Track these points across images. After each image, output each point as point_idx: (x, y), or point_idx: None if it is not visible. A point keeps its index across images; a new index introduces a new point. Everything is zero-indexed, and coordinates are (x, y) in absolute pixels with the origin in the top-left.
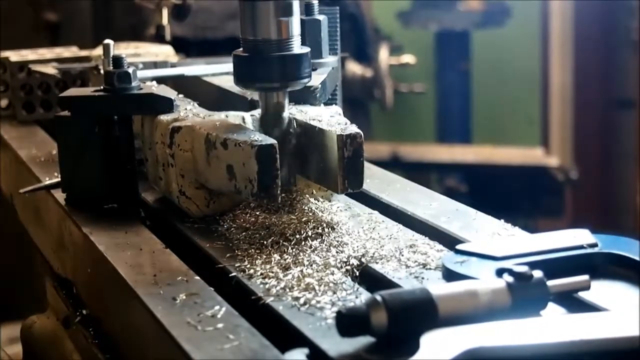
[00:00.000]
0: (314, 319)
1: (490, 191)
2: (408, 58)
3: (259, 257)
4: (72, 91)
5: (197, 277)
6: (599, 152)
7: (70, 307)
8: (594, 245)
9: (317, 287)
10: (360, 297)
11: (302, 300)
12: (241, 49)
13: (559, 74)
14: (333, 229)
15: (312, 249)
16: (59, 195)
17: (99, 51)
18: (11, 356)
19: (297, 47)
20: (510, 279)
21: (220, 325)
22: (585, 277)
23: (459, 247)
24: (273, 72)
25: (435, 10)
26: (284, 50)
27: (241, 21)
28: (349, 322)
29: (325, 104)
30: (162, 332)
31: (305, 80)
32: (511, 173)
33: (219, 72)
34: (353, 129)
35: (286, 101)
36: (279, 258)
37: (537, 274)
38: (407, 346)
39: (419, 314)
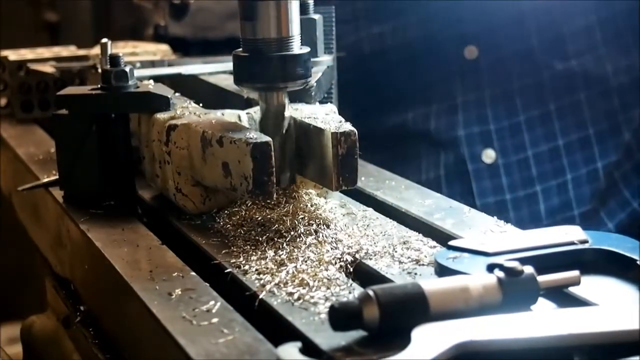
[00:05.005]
0: (307, 314)
1: None
2: None
3: (254, 254)
4: (70, 90)
5: (193, 273)
6: None
7: (70, 307)
8: (585, 241)
9: (311, 283)
10: (353, 292)
11: (296, 296)
12: (241, 48)
13: None
14: (327, 225)
15: (306, 246)
16: (57, 193)
17: (97, 50)
18: (11, 356)
19: (297, 47)
20: (501, 274)
21: (215, 320)
22: (576, 272)
23: (451, 243)
24: (273, 71)
25: None
26: (284, 50)
27: (240, 21)
28: (341, 316)
29: (321, 102)
30: (157, 326)
31: (306, 79)
32: None
33: (215, 70)
34: (347, 126)
35: (286, 101)
36: (274, 254)
37: (528, 269)
38: (398, 340)
39: (410, 309)
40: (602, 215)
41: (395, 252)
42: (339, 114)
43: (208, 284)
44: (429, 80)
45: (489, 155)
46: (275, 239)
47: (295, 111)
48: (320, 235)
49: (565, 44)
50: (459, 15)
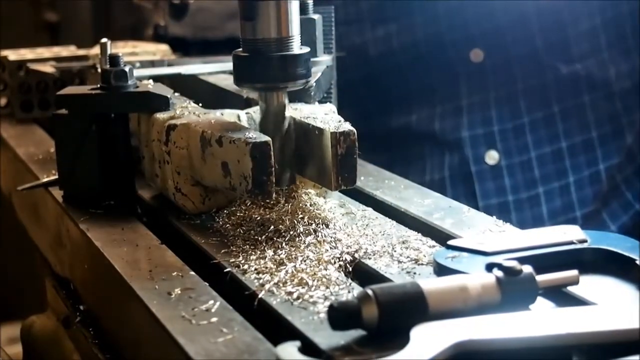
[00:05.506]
0: (306, 313)
1: None
2: None
3: (253, 253)
4: (69, 89)
5: (192, 273)
6: None
7: (70, 307)
8: (584, 241)
9: (310, 282)
10: (352, 292)
11: (295, 295)
12: (241, 49)
13: None
14: (327, 225)
15: (305, 245)
16: (57, 193)
17: (96, 50)
18: (11, 356)
19: (297, 47)
20: (499, 273)
21: (214, 319)
22: (574, 272)
23: (450, 242)
24: (273, 71)
25: None
26: (284, 50)
27: (241, 21)
28: (340, 315)
29: (320, 102)
30: (157, 325)
31: (306, 79)
32: None
33: (215, 70)
34: (347, 126)
35: (286, 101)
36: (273, 254)
37: (527, 268)
38: (397, 339)
39: (409, 308)
40: (604, 217)
41: (395, 251)
42: (341, 114)
43: (207, 284)
44: (433, 82)
45: (492, 157)
46: (275, 238)
47: (295, 111)
48: (320, 234)
49: (570, 47)
50: (465, 17)
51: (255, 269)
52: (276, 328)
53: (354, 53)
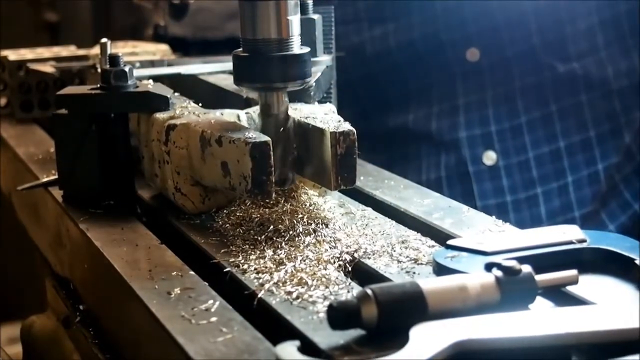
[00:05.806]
0: (306, 313)
1: None
2: None
3: (252, 253)
4: (69, 89)
5: (192, 272)
6: None
7: (70, 307)
8: (583, 240)
9: (309, 282)
10: (352, 291)
11: (294, 295)
12: (241, 49)
13: None
14: (326, 225)
15: (305, 245)
16: (57, 193)
17: (96, 50)
18: (11, 356)
19: (297, 47)
20: (499, 273)
21: (213, 319)
22: (573, 271)
23: (449, 242)
24: (273, 71)
25: None
26: (284, 50)
27: (241, 21)
28: (340, 315)
29: (320, 102)
30: (156, 325)
31: (306, 79)
32: None
33: (215, 70)
34: (346, 126)
35: (286, 100)
36: (273, 253)
37: (526, 268)
38: (396, 339)
39: (408, 307)
40: (603, 217)
41: (394, 251)
42: (339, 114)
43: (207, 283)
44: (430, 81)
45: (490, 157)
46: (274, 238)
47: (295, 111)
48: (319, 234)
49: (567, 46)
50: (461, 17)
51: (255, 269)
52: (276, 327)
53: (351, 53)
